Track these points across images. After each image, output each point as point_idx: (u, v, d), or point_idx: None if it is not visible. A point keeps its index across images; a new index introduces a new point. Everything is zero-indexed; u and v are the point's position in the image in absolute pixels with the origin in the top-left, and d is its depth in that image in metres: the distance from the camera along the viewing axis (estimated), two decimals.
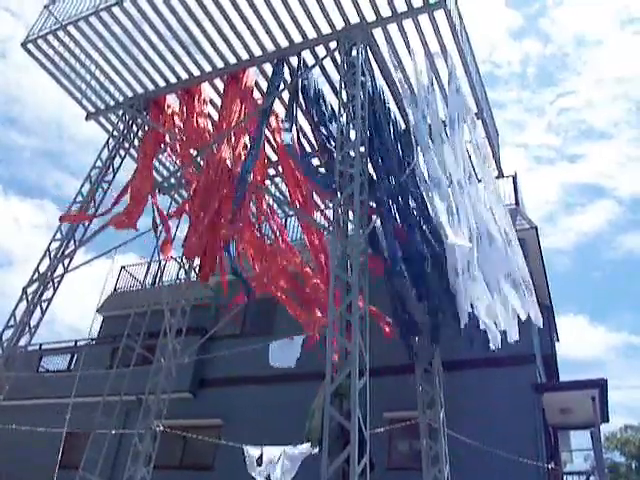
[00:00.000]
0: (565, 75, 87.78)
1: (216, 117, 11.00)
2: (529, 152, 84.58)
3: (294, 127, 8.85)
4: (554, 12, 79.85)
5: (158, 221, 10.54)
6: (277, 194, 11.95)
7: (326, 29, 9.40)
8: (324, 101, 9.58)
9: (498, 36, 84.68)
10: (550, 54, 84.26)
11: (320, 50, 9.70)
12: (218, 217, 9.57)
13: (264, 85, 10.44)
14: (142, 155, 11.01)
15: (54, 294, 9.98)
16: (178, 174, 11.62)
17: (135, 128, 11.48)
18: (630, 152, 77.13)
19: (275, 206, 11.35)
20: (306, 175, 8.97)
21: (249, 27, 9.61)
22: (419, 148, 8.60)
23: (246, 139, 10.43)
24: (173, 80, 10.99)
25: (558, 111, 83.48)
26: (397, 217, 8.45)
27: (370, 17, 9.09)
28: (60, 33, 10.68)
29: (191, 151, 10.74)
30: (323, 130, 9.06)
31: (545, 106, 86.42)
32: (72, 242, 10.31)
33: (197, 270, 10.95)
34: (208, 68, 10.59)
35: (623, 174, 78.31)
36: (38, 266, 10.08)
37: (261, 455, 10.15)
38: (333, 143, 8.58)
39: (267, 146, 10.97)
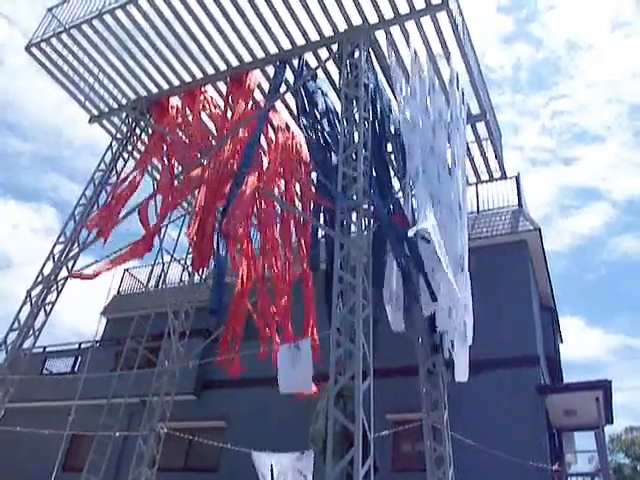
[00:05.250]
0: (557, 79, 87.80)
1: (219, 118, 11.02)
2: (524, 154, 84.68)
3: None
4: (545, 16, 79.89)
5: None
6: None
7: (328, 31, 9.41)
8: (326, 103, 9.59)
9: (490, 40, 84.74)
10: (542, 58, 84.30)
11: (322, 52, 9.72)
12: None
13: (267, 87, 10.46)
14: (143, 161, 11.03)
15: (58, 297, 10.00)
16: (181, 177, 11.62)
17: (138, 131, 11.51)
18: (623, 155, 77.21)
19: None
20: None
21: (252, 29, 9.64)
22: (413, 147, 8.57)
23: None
24: (176, 83, 11.02)
25: (551, 114, 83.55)
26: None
27: (372, 19, 9.11)
28: (64, 36, 10.72)
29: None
30: (324, 131, 9.06)
31: (539, 109, 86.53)
32: (76, 245, 10.33)
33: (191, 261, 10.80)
34: (211, 70, 10.62)
35: (617, 177, 78.37)
36: (42, 269, 10.09)
37: (271, 467, 10.14)
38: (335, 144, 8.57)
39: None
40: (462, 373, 7.92)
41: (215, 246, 8.12)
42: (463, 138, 9.45)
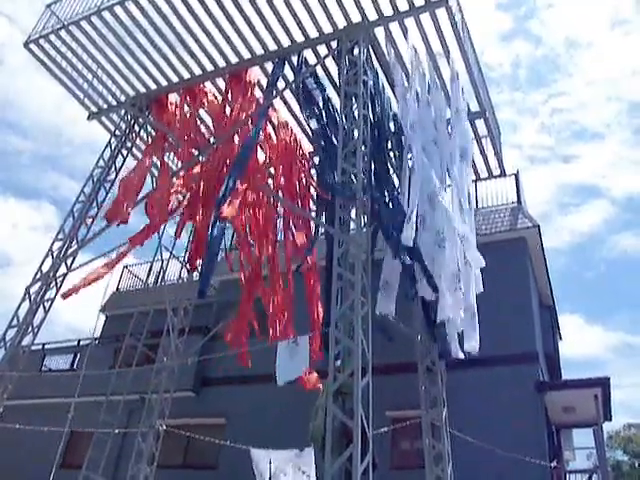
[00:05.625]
0: (557, 76, 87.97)
1: (217, 112, 10.99)
2: (523, 152, 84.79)
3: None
4: (544, 14, 79.94)
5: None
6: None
7: (327, 28, 9.39)
8: (325, 99, 9.57)
9: (489, 38, 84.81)
10: (541, 56, 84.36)
11: (321, 49, 9.69)
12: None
13: (266, 83, 10.43)
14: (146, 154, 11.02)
15: (57, 294, 9.97)
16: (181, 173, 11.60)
17: (137, 127, 11.48)
18: (623, 152, 77.41)
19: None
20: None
21: (251, 26, 9.61)
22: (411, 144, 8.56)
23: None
24: (175, 79, 10.98)
25: (551, 112, 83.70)
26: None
27: (372, 16, 9.08)
28: (62, 33, 10.67)
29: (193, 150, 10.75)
30: (325, 124, 9.05)
31: (538, 107, 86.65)
32: (74, 242, 10.32)
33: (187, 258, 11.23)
34: (210, 67, 10.59)
35: (616, 174, 78.64)
36: (41, 266, 10.08)
37: (270, 463, 10.15)
38: (335, 141, 8.56)
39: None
40: (473, 344, 7.80)
41: (210, 225, 8.06)
42: (463, 134, 9.42)
